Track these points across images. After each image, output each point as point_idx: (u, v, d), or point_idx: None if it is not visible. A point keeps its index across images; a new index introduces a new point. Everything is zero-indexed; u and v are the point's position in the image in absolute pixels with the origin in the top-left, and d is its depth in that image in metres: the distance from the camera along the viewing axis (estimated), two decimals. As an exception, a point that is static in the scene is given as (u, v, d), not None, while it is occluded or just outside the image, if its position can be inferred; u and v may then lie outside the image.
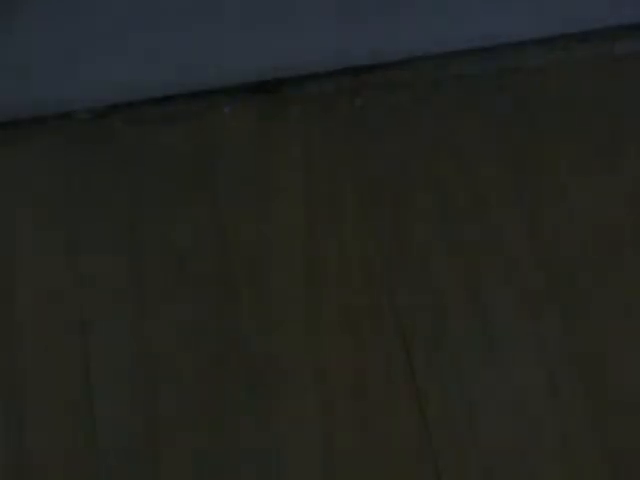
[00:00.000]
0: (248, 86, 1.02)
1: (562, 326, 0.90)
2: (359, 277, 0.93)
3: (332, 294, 0.92)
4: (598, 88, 1.02)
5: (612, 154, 0.99)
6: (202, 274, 0.93)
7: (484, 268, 0.92)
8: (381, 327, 0.90)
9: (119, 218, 0.96)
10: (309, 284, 0.92)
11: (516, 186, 0.96)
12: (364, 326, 0.90)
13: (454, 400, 0.87)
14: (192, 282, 0.93)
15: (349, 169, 0.98)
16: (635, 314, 0.90)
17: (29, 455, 0.86)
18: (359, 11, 0.98)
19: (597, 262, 0.92)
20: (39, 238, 0.95)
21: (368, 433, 0.86)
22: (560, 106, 1.01)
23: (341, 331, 0.90)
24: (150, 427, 0.86)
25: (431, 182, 0.97)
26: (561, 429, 0.85)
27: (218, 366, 0.89)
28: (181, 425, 0.86)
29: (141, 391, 0.88)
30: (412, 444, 0.85)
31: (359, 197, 0.97)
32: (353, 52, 1.01)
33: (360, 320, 0.91)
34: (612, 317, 0.90)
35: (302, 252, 0.94)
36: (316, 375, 0.88)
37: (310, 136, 1.00)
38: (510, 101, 1.02)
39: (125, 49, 0.98)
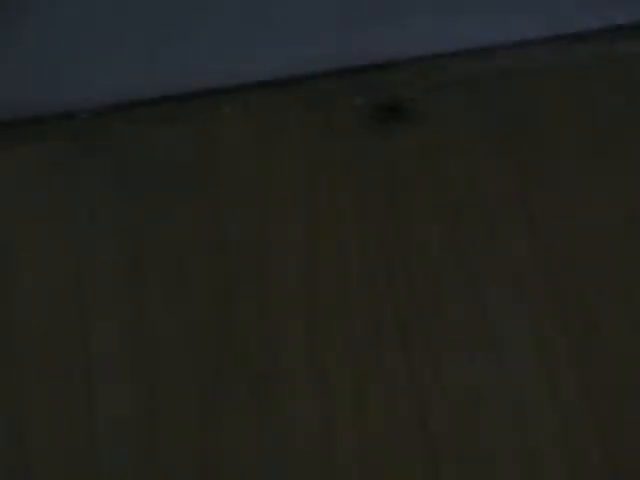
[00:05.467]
0: (248, 86, 1.02)
1: (562, 326, 0.90)
2: (359, 277, 0.93)
3: (332, 294, 0.92)
4: (598, 88, 1.02)
5: (613, 155, 0.99)
6: (202, 274, 0.93)
7: (484, 267, 0.93)
8: (381, 327, 0.90)
9: (119, 218, 0.96)
10: (309, 284, 0.92)
11: (516, 186, 0.97)
12: (364, 326, 0.90)
13: (454, 400, 0.87)
14: (192, 282, 0.93)
15: (349, 169, 0.98)
16: (636, 314, 0.90)
17: (30, 459, 0.86)
18: (359, 11, 0.98)
19: (598, 262, 0.92)
20: (39, 238, 0.95)
21: (368, 433, 0.86)
22: (560, 106, 1.01)
23: (341, 331, 0.90)
24: (150, 427, 0.86)
25: (431, 182, 0.97)
26: (561, 429, 0.85)
27: (218, 366, 0.89)
28: (181, 425, 0.86)
29: (141, 391, 0.88)
30: (412, 444, 0.85)
31: (359, 197, 0.97)
32: (353, 52, 1.01)
33: (360, 320, 0.91)
34: (613, 317, 0.90)
35: (302, 252, 0.94)
36: (316, 375, 0.88)
37: (310, 136, 1.00)
38: (510, 101, 1.02)
39: (125, 49, 0.98)
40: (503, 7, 0.99)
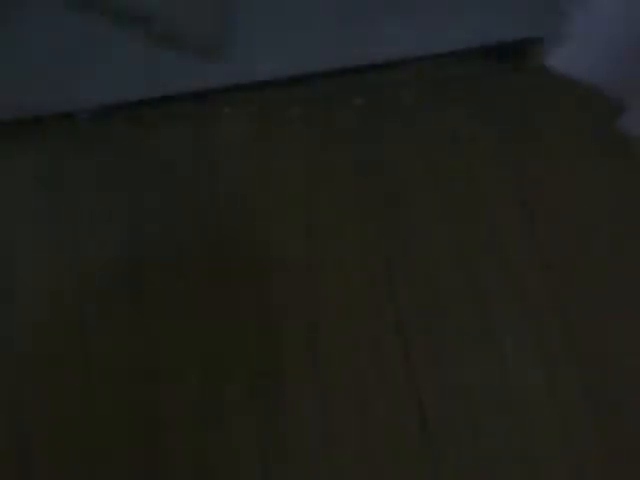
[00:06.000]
0: (248, 86, 1.02)
1: (562, 326, 0.90)
2: (359, 277, 0.93)
3: (332, 294, 0.92)
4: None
5: (613, 154, 0.99)
6: (202, 274, 0.93)
7: (484, 268, 0.93)
8: (381, 327, 0.90)
9: (119, 218, 0.96)
10: (309, 284, 0.92)
11: (516, 186, 0.97)
12: (364, 326, 0.90)
13: (454, 400, 0.87)
14: (192, 282, 0.93)
15: (349, 169, 0.98)
16: (635, 314, 0.90)
17: None
18: (359, 11, 0.99)
19: (597, 261, 0.93)
20: (39, 238, 0.95)
21: (368, 433, 0.86)
22: (560, 106, 1.01)
23: (341, 331, 0.90)
24: (151, 427, 0.87)
25: (431, 182, 0.97)
26: (561, 428, 0.85)
27: (218, 366, 0.89)
28: (181, 425, 0.86)
29: (141, 392, 0.88)
30: (412, 444, 0.85)
31: (359, 197, 0.97)
32: (353, 52, 1.01)
33: (360, 320, 0.91)
34: (612, 317, 0.90)
35: (302, 252, 0.94)
36: (316, 376, 0.88)
37: (310, 136, 1.00)
38: (509, 101, 1.02)
39: (125, 49, 0.98)
40: (503, 7, 1.00)
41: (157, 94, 1.01)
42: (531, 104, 1.01)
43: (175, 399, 0.88)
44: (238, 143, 1.00)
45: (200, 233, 0.96)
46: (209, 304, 0.92)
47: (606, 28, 0.94)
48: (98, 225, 0.96)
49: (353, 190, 0.97)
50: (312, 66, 1.01)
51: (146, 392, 0.88)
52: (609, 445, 0.84)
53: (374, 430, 0.86)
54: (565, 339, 0.89)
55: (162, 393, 0.88)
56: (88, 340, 0.90)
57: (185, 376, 0.89)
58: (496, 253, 0.93)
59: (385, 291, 0.92)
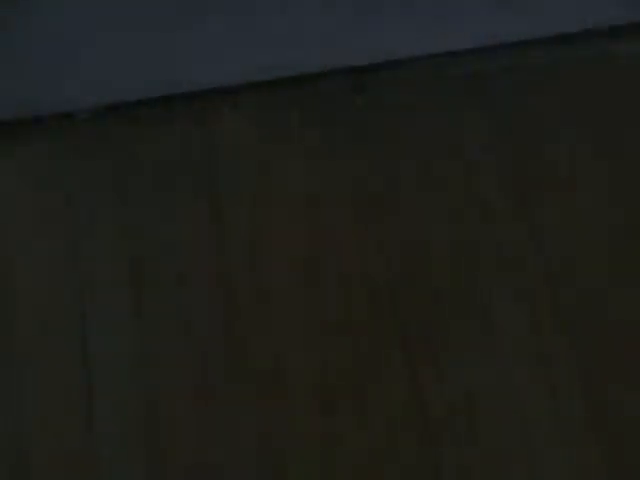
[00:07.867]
0: (248, 86, 1.02)
1: (562, 326, 0.90)
2: (359, 277, 0.93)
3: (332, 294, 0.92)
4: (597, 88, 1.02)
5: (612, 154, 0.99)
6: (202, 274, 0.93)
7: (484, 268, 0.93)
8: (381, 327, 0.90)
9: (119, 218, 0.97)
10: (309, 284, 0.92)
11: (516, 186, 0.97)
12: (364, 326, 0.90)
13: (454, 400, 0.87)
14: (192, 282, 0.93)
15: (349, 169, 0.98)
16: (636, 314, 0.90)
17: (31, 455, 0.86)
18: (359, 11, 0.99)
19: (597, 262, 0.92)
20: (39, 238, 0.96)
21: (368, 433, 0.86)
22: (560, 106, 1.01)
23: (341, 331, 0.90)
24: (151, 427, 0.86)
25: (431, 182, 0.97)
26: (561, 429, 0.85)
27: (218, 366, 0.89)
28: (181, 425, 0.86)
29: (141, 392, 0.88)
30: (412, 444, 0.85)
31: (359, 197, 0.97)
32: (353, 52, 1.01)
33: (360, 320, 0.91)
34: (612, 317, 0.90)
35: (302, 252, 0.94)
36: (316, 374, 0.88)
37: (310, 136, 1.00)
38: (510, 101, 1.02)
39: (125, 49, 0.98)
40: (503, 7, 1.00)
41: (157, 94, 1.01)
42: (532, 104, 1.01)
43: (175, 399, 0.87)
44: (238, 143, 1.00)
45: (200, 233, 0.96)
46: (209, 304, 0.92)
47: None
48: (98, 225, 0.96)
49: (353, 190, 0.97)
50: (312, 66, 1.01)
51: (147, 392, 0.88)
52: (609, 445, 0.84)
53: (374, 430, 0.86)
54: (565, 339, 0.89)
55: (162, 393, 0.88)
56: (88, 340, 0.90)
57: (185, 376, 0.88)
58: (496, 253, 0.93)
59: (385, 291, 0.92)
